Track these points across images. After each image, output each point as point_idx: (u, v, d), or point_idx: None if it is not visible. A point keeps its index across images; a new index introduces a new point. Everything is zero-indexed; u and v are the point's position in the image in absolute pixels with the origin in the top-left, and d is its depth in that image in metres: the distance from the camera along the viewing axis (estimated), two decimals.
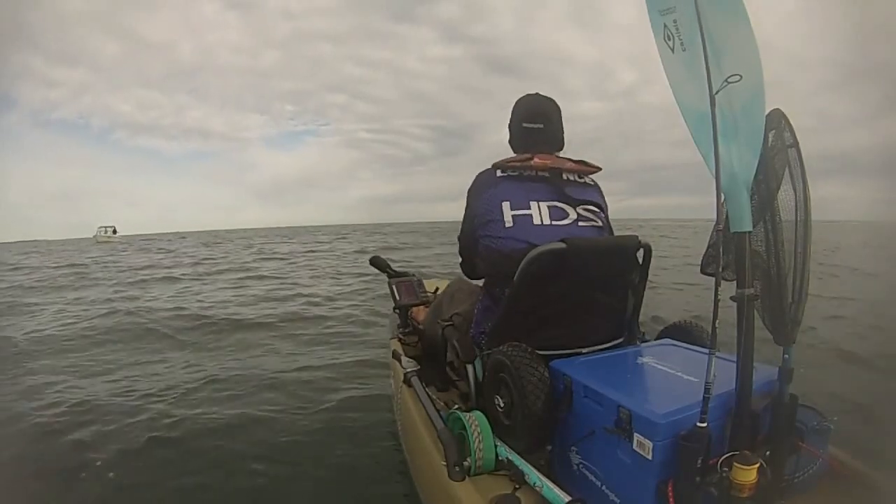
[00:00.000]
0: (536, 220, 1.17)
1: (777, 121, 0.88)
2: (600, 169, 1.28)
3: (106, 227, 37.39)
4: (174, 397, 2.53)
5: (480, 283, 1.36)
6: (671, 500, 0.75)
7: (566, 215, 1.19)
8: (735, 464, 0.75)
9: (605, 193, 1.30)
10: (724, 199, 0.84)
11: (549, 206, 1.19)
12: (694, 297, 4.74)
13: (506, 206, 1.18)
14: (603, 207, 1.26)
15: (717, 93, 0.80)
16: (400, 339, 1.84)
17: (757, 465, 0.75)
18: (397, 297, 1.89)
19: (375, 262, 2.11)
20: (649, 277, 1.22)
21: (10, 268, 12.36)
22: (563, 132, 1.31)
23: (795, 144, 0.87)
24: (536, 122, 1.27)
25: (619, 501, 0.86)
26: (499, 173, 1.23)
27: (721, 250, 0.82)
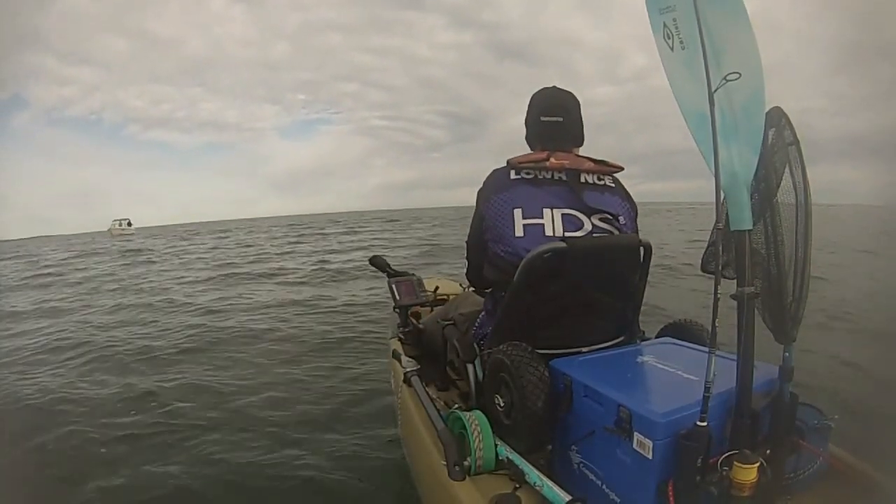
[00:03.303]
0: (549, 231, 1.12)
1: (777, 119, 0.88)
2: (622, 168, 1.22)
3: (120, 220, 37.61)
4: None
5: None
6: (671, 499, 0.75)
7: (581, 225, 1.14)
8: (735, 463, 0.75)
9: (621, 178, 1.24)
10: (725, 198, 0.84)
11: (563, 215, 1.14)
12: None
13: (517, 213, 1.13)
14: (623, 212, 1.19)
15: (716, 91, 0.80)
16: (400, 339, 1.84)
17: (757, 464, 0.75)
18: (397, 297, 1.89)
19: (375, 261, 2.11)
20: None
21: None
22: (582, 127, 1.25)
23: (796, 142, 0.87)
24: (555, 114, 1.21)
25: (619, 501, 0.86)
26: (513, 174, 1.17)
27: (721, 249, 0.82)
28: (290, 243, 13.50)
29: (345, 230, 20.37)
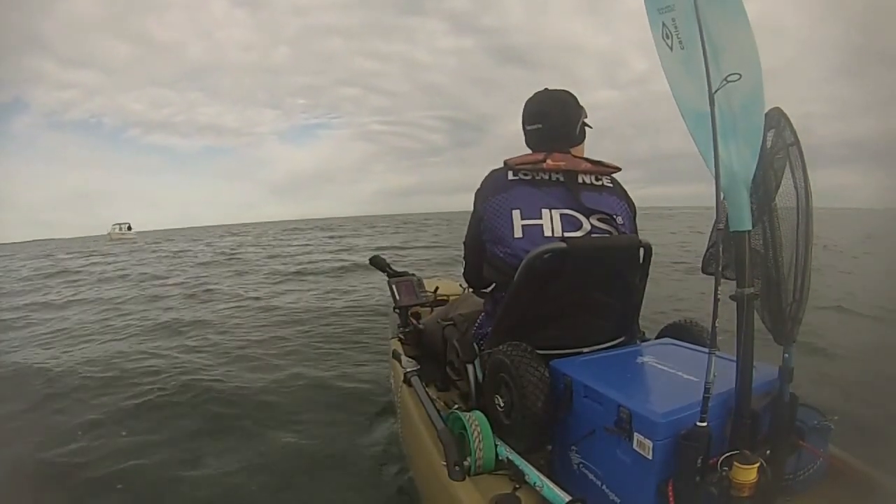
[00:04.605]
0: (547, 231, 1.12)
1: (776, 119, 0.88)
2: (619, 169, 1.22)
3: (120, 223, 37.06)
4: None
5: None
6: (671, 499, 0.75)
7: (579, 225, 1.14)
8: (735, 463, 0.75)
9: (622, 183, 1.24)
10: (724, 198, 0.84)
11: (561, 215, 1.14)
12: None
13: (516, 214, 1.13)
14: (621, 211, 1.19)
15: (716, 92, 0.80)
16: (400, 339, 1.84)
17: (757, 465, 0.75)
18: (397, 297, 1.89)
19: (375, 261, 2.11)
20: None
21: None
22: (573, 126, 1.22)
23: (796, 143, 0.87)
24: (535, 122, 1.22)
25: (619, 501, 0.86)
26: (510, 176, 1.17)
27: (721, 249, 0.82)
28: None
29: None
